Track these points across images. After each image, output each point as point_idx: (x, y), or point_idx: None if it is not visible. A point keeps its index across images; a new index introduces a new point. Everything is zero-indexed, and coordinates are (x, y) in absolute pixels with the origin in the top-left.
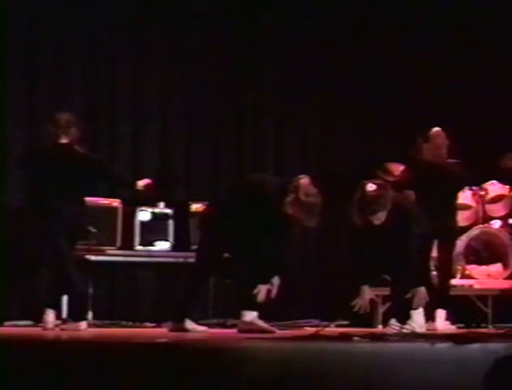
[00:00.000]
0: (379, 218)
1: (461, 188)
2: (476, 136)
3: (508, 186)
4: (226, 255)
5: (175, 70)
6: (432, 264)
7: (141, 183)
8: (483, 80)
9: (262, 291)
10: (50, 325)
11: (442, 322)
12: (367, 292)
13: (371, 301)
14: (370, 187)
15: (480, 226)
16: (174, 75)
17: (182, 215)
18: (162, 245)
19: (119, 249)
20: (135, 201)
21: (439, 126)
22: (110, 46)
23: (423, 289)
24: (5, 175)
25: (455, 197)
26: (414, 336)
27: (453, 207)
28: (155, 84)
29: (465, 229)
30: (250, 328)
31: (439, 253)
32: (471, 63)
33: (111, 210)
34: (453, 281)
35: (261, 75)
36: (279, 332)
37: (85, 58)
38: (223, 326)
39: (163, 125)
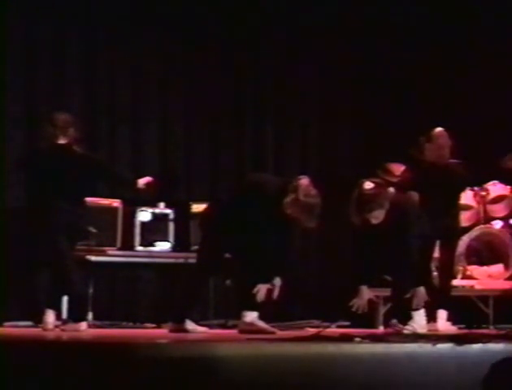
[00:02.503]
0: (377, 217)
1: (463, 189)
2: (477, 137)
3: (509, 186)
4: (226, 255)
5: (175, 69)
6: (433, 265)
7: (142, 181)
8: (484, 79)
9: (261, 290)
10: (50, 326)
11: (443, 322)
12: (366, 293)
13: (370, 301)
14: (368, 185)
15: (481, 226)
16: (173, 74)
17: (182, 216)
18: (162, 246)
19: (120, 249)
20: (136, 199)
21: (439, 126)
22: (110, 46)
23: (422, 289)
24: (5, 175)
25: (457, 198)
26: (415, 337)
27: (455, 208)
28: (155, 84)
29: (466, 229)
30: (251, 329)
31: (441, 253)
32: (472, 63)
33: (111, 211)
34: (454, 282)
35: (261, 75)
36: (279, 333)
37: (85, 59)
38: (224, 326)
39: (163, 125)
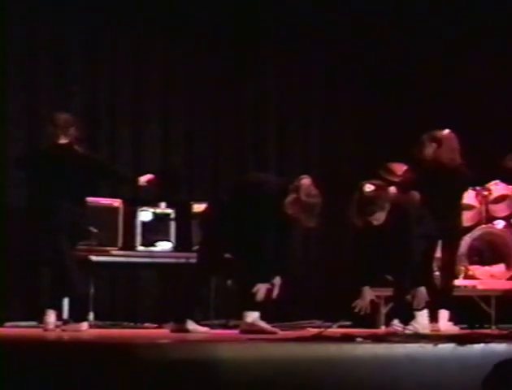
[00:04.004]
0: (378, 219)
1: (466, 189)
2: (479, 136)
3: (511, 186)
4: (227, 255)
5: (176, 69)
6: (435, 264)
7: (144, 178)
8: (486, 79)
9: (261, 290)
10: (51, 326)
11: (445, 322)
12: (368, 293)
13: (372, 301)
14: (368, 188)
15: (483, 226)
16: (174, 74)
17: (184, 215)
18: (163, 246)
19: (121, 249)
20: (137, 199)
21: (442, 126)
22: (111, 46)
23: (422, 289)
24: (5, 175)
25: (460, 198)
26: (417, 337)
27: (457, 208)
28: (156, 83)
29: (468, 229)
30: (252, 329)
31: (443, 253)
32: (474, 63)
33: (112, 210)
34: (456, 282)
35: (262, 75)
36: (281, 333)
37: (85, 58)
38: (225, 327)
39: (164, 125)
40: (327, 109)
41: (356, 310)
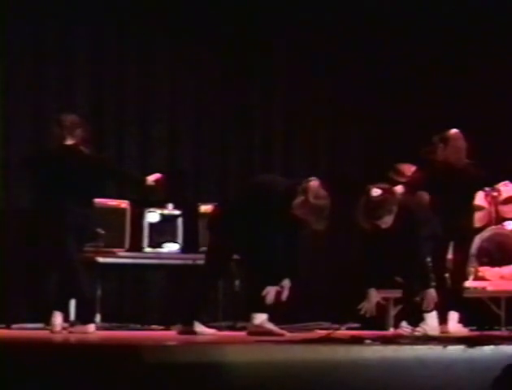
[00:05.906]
0: (386, 222)
1: (477, 190)
2: (488, 137)
3: None
4: (235, 257)
5: (183, 70)
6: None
7: (152, 178)
8: (495, 79)
9: (270, 292)
10: (58, 328)
11: (454, 324)
12: (374, 296)
13: (378, 303)
14: (375, 192)
15: (493, 227)
16: (182, 75)
17: (191, 217)
18: (170, 247)
19: (128, 250)
20: (144, 200)
21: (450, 126)
22: (117, 46)
23: (431, 291)
24: (10, 176)
25: (471, 199)
26: (426, 339)
27: (469, 208)
28: (163, 84)
29: (477, 230)
30: (260, 331)
31: (454, 254)
32: (484, 63)
33: (120, 212)
34: (466, 283)
35: (269, 76)
36: (289, 335)
37: (92, 58)
38: (233, 328)
39: (171, 126)
40: (334, 110)
41: (361, 313)
